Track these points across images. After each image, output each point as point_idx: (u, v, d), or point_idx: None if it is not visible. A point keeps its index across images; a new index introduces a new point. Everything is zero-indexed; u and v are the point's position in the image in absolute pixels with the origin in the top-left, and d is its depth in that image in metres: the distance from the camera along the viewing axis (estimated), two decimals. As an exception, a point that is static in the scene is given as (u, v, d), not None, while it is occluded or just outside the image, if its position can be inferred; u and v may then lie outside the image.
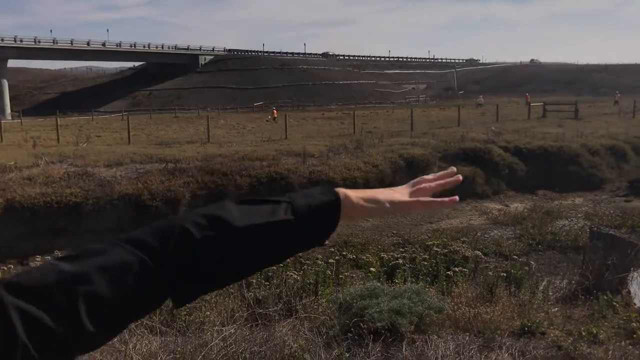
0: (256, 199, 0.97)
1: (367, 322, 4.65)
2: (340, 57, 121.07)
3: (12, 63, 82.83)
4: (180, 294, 0.86)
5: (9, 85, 78.38)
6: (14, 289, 0.71)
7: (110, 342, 4.36)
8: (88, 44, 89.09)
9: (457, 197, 1.09)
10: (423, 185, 1.14)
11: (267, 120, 44.02)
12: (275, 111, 52.11)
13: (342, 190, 1.02)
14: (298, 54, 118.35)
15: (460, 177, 1.16)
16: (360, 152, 20.77)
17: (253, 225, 0.90)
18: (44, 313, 0.70)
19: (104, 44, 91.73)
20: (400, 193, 1.10)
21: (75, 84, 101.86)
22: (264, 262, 0.99)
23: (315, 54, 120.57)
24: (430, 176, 1.17)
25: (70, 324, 0.72)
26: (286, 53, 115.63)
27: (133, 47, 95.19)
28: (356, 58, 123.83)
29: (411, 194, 1.11)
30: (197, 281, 0.86)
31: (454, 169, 1.17)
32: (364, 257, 7.62)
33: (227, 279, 0.97)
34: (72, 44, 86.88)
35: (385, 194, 1.09)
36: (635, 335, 4.91)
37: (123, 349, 3.96)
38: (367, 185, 18.01)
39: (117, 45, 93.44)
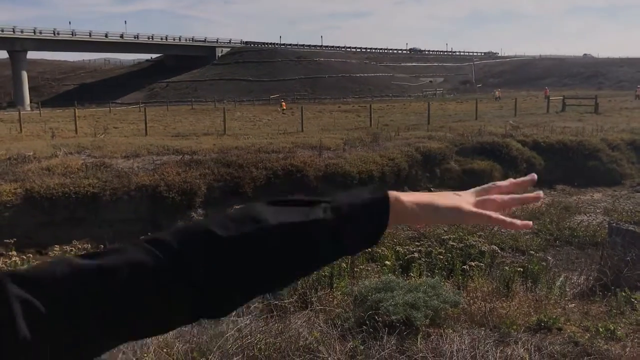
0: (293, 199, 0.87)
1: (382, 315, 4.64)
2: (357, 50, 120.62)
3: (31, 55, 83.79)
4: (213, 303, 0.77)
5: (28, 76, 79.32)
6: (20, 279, 0.68)
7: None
8: (106, 35, 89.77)
9: (530, 223, 0.97)
10: (494, 196, 0.97)
11: (282, 112, 44.15)
12: (283, 103, 52.17)
13: (393, 193, 0.89)
14: (315, 46, 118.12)
15: (542, 194, 0.99)
16: (376, 146, 20.71)
17: (288, 223, 0.80)
18: (48, 306, 0.66)
19: (122, 36, 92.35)
20: (466, 201, 0.94)
21: (93, 76, 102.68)
22: (302, 268, 0.87)
23: (332, 47, 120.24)
24: (505, 183, 1.00)
25: (73, 320, 0.68)
26: (303, 45, 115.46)
27: (151, 39, 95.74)
28: (373, 50, 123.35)
29: (477, 204, 0.94)
30: (230, 288, 0.78)
31: (535, 176, 1.01)
32: (379, 251, 7.59)
33: (262, 286, 0.84)
34: (90, 35, 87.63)
35: (447, 199, 0.93)
36: (653, 332, 4.85)
37: (140, 338, 3.99)
38: (382, 178, 17.97)
39: (135, 37, 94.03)
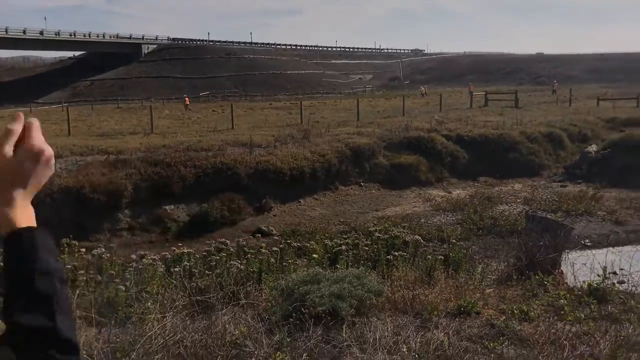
0: None
1: (308, 307, 4.72)
2: (288, 47, 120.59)
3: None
4: None
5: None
6: None
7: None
8: (24, 32, 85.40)
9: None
10: None
11: (187, 109, 43.40)
12: (187, 99, 51.18)
13: None
14: (245, 43, 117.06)
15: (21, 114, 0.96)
16: (307, 142, 20.82)
17: None
18: None
19: (41, 33, 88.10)
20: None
21: (11, 74, 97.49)
22: None
23: (262, 44, 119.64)
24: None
25: None
26: (232, 42, 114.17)
27: (73, 36, 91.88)
28: (303, 48, 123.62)
29: None
30: None
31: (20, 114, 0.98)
32: (310, 245, 7.69)
33: None
34: (6, 32, 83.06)
35: None
36: (563, 312, 5.17)
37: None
38: (313, 174, 18.11)
39: (55, 34, 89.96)
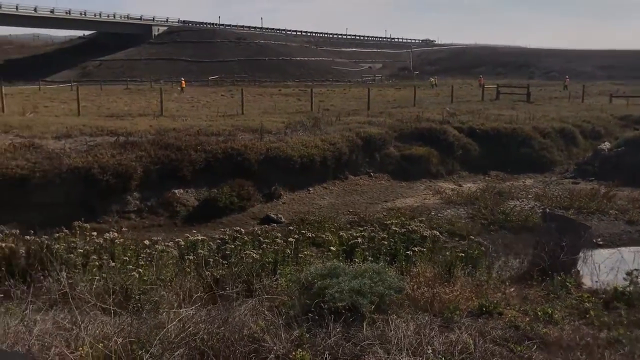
0: None
1: (327, 302, 4.58)
2: (298, 33, 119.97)
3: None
4: None
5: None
6: None
7: (59, 323, 4.16)
8: (35, 9, 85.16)
9: None
10: None
11: (181, 91, 43.41)
12: (183, 81, 50.96)
13: None
14: (255, 28, 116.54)
15: None
16: (317, 130, 20.65)
17: None
18: None
19: (52, 11, 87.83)
20: None
21: (21, 52, 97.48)
22: None
23: (272, 29, 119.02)
24: None
25: None
26: (242, 27, 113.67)
27: (83, 15, 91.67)
28: (313, 34, 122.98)
29: None
30: None
31: None
32: (323, 236, 7.56)
33: None
34: (17, 9, 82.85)
35: None
36: (588, 315, 5.03)
37: (74, 330, 3.77)
38: (324, 162, 17.96)
39: (66, 13, 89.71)
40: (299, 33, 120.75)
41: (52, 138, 17.34)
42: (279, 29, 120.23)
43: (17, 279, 5.63)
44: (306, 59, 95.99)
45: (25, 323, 4.08)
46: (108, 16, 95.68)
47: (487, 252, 7.71)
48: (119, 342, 3.41)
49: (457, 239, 10.75)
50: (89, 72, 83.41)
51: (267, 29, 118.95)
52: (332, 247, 6.49)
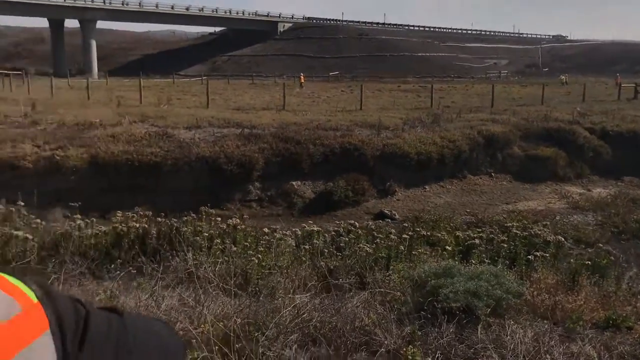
0: None
1: (441, 301, 4.51)
2: (420, 28, 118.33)
3: (100, 24, 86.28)
4: None
5: (96, 45, 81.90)
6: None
7: (184, 300, 4.45)
8: (172, 7, 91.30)
9: None
10: None
11: (301, 87, 44.36)
12: (302, 77, 51.62)
13: None
14: (377, 23, 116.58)
15: None
16: (436, 127, 20.29)
17: None
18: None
19: (187, 9, 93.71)
20: None
21: (158, 47, 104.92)
22: None
23: (394, 24, 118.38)
24: None
25: None
26: (365, 22, 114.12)
27: (215, 12, 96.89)
28: (436, 30, 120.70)
29: None
30: None
31: None
32: (438, 235, 7.43)
33: None
34: (157, 7, 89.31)
35: None
36: None
37: (198, 308, 4.02)
38: (441, 160, 17.61)
39: (200, 10, 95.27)
40: (422, 28, 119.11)
41: (183, 128, 18.50)
42: (401, 24, 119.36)
43: (148, 257, 6.09)
44: (428, 54, 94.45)
45: (155, 298, 4.41)
46: (237, 13, 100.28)
47: (617, 262, 7.17)
48: (237, 322, 3.59)
49: (583, 246, 10.10)
50: (217, 67, 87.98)
51: (389, 24, 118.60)
52: (447, 247, 6.37)
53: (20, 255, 5.95)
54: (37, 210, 8.38)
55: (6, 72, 45.34)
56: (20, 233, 6.17)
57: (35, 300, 0.66)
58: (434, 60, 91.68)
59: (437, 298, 4.57)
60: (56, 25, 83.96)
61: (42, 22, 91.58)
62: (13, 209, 7.56)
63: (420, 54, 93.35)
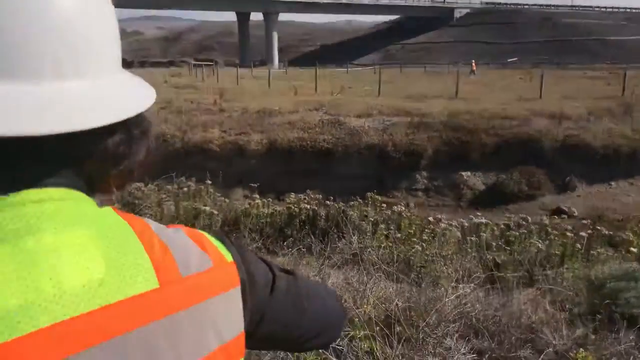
0: None
1: (621, 305, 4.15)
2: (614, 10, 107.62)
3: (281, 17, 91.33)
4: None
5: (278, 37, 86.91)
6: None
7: (349, 280, 4.62)
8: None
9: None
10: None
11: (472, 74, 42.33)
12: (474, 63, 49.18)
13: None
14: (564, 6, 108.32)
15: None
16: (628, 118, 18.38)
17: None
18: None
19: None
20: None
21: (334, 38, 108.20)
22: None
23: (584, 6, 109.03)
24: None
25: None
26: (550, 6, 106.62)
27: (391, 1, 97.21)
28: (634, 10, 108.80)
29: None
30: None
31: None
32: (623, 235, 6.79)
33: None
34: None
35: None
36: None
37: (361, 289, 4.15)
38: (632, 155, 15.98)
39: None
40: (616, 9, 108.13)
41: (354, 116, 18.94)
42: (591, 6, 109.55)
43: (317, 237, 6.39)
44: (621, 38, 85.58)
45: (321, 275, 4.64)
46: (413, 1, 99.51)
47: None
48: (399, 306, 3.64)
49: None
50: (391, 55, 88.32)
51: (578, 6, 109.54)
52: (632, 248, 5.80)
53: (206, 228, 6.60)
54: (222, 189, 9.24)
55: (199, 62, 50.13)
56: (207, 209, 6.86)
57: (229, 259, 0.72)
58: (630, 45, 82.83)
59: (616, 302, 4.22)
60: (243, 18, 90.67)
61: (231, 16, 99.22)
62: (202, 187, 8.39)
63: (612, 38, 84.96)
